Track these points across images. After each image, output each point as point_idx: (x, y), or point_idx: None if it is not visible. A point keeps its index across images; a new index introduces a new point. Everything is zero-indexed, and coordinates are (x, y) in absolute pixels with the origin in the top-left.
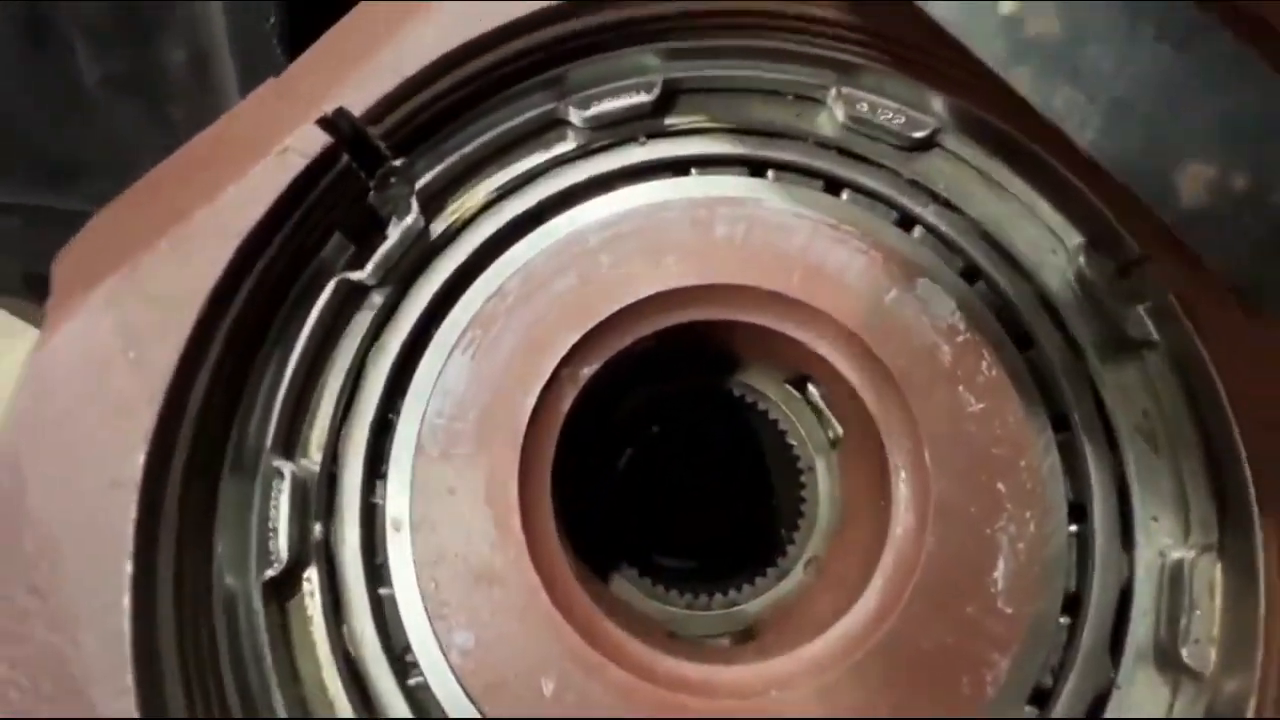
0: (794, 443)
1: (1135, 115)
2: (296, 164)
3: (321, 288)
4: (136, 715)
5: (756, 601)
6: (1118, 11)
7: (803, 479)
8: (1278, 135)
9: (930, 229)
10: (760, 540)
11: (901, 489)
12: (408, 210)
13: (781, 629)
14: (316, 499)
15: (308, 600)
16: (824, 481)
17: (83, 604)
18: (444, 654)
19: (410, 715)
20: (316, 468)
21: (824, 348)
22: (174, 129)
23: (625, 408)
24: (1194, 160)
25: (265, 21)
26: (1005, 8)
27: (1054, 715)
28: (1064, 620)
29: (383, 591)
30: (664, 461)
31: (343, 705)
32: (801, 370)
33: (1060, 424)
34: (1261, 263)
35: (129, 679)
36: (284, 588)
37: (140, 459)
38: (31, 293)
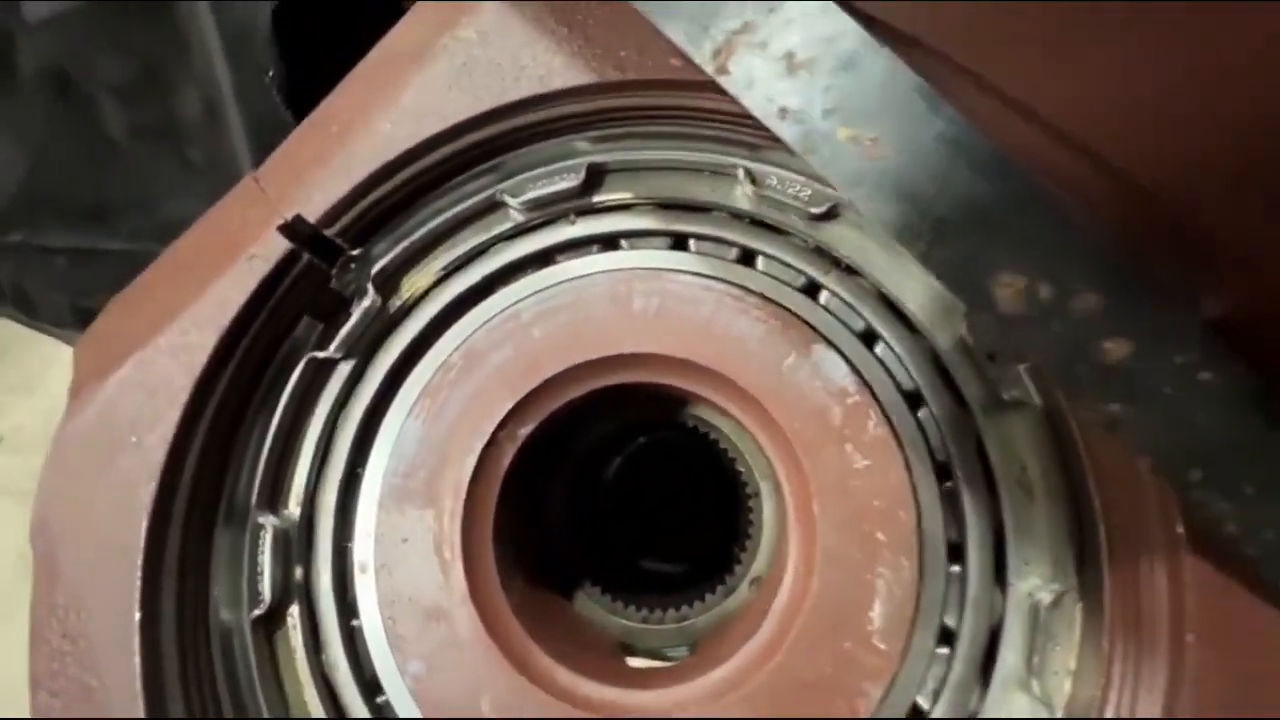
0: (741, 470)
1: (956, 232)
2: (262, 268)
3: (295, 365)
4: None
5: (704, 617)
6: (940, 144)
7: (750, 503)
8: (1073, 252)
9: (833, 293)
10: (717, 558)
11: (794, 535)
12: (365, 293)
13: (717, 644)
14: (297, 545)
15: (291, 633)
16: (768, 506)
17: (103, 647)
18: (402, 678)
19: None
20: (296, 518)
21: (733, 409)
22: (193, 169)
23: (593, 437)
24: (1005, 271)
25: (265, 75)
26: (843, 133)
27: None
28: (940, 650)
29: (354, 624)
30: (634, 484)
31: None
32: None
33: (945, 474)
34: (1072, 363)
35: (140, 708)
36: (270, 622)
37: (143, 527)
38: (79, 323)
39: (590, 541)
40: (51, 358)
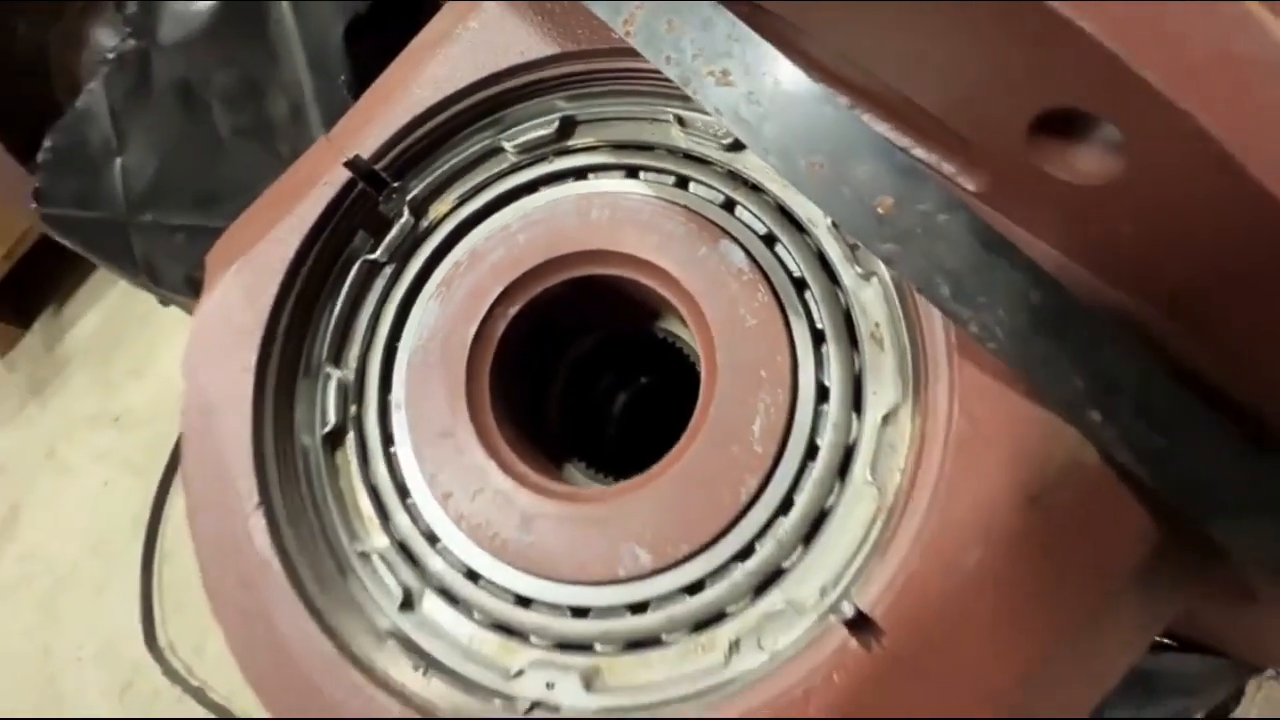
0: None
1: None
2: (330, 193)
3: (352, 265)
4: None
5: None
6: (774, 81)
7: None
8: (863, 149)
9: (745, 206)
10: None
11: (704, 381)
12: (402, 214)
13: None
14: (352, 391)
15: (347, 452)
16: None
17: (231, 459)
18: (424, 482)
19: (408, 520)
20: (352, 374)
21: (665, 291)
22: (281, 160)
23: (579, 351)
24: (815, 155)
25: (338, 81)
26: (704, 69)
27: (791, 518)
28: (809, 462)
29: (391, 449)
30: (615, 387)
31: (369, 515)
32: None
33: (821, 338)
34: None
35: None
36: (333, 443)
37: (253, 360)
38: (192, 292)
39: (578, 431)
40: (158, 344)
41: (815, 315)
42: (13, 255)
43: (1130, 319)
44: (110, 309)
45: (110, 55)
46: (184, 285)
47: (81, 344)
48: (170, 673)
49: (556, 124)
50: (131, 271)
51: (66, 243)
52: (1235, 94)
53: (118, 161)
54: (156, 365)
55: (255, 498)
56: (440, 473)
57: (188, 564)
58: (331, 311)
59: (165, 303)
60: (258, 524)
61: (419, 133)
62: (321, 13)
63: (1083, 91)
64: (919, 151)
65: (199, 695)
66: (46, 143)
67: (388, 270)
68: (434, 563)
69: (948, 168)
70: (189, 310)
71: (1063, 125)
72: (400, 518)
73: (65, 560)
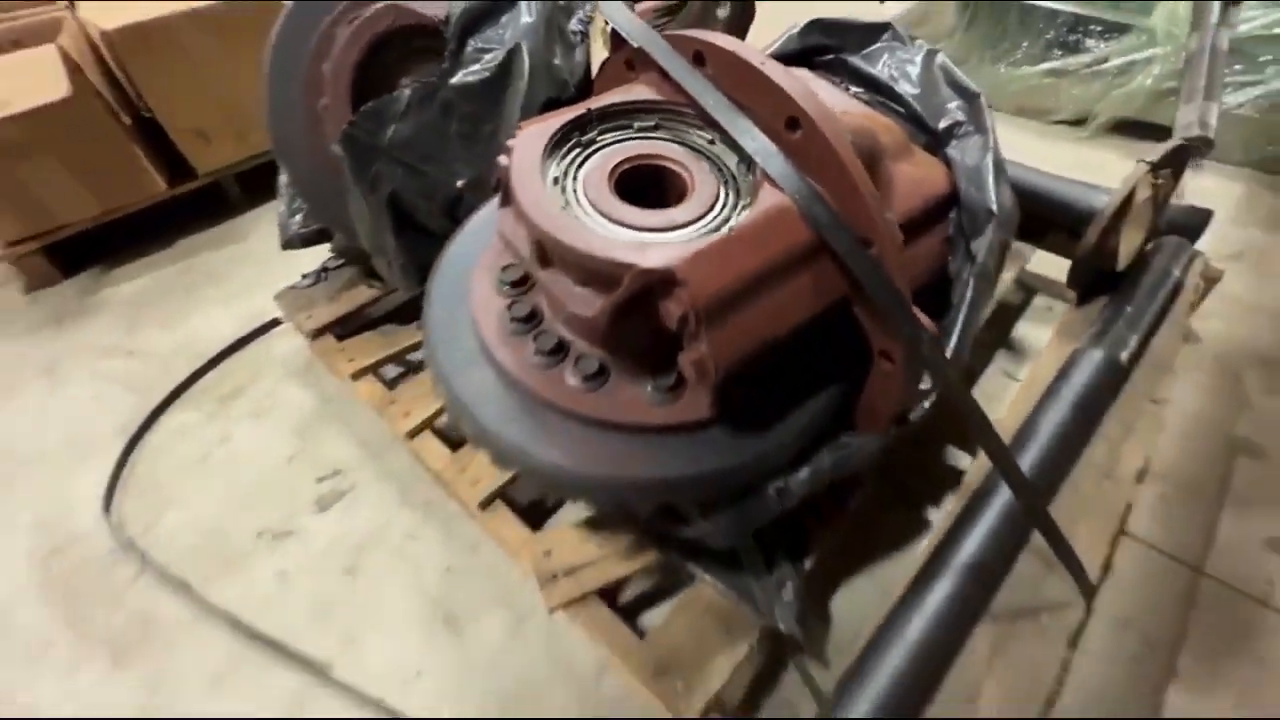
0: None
1: None
2: (570, 115)
3: (567, 144)
4: None
5: None
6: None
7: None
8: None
9: (716, 143)
10: None
11: (691, 188)
12: (594, 132)
13: None
14: (564, 182)
15: (566, 193)
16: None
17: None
18: (587, 199)
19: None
20: (564, 174)
21: (674, 166)
22: (478, 156)
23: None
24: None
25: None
26: None
27: (728, 213)
28: (727, 195)
29: (577, 192)
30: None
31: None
32: None
33: (729, 180)
34: None
35: None
36: (562, 190)
37: (540, 155)
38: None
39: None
40: (194, 312)
41: (726, 173)
42: (105, 215)
43: None
44: (156, 281)
45: (421, 80)
46: (378, 200)
47: (117, 297)
48: (119, 538)
49: (654, 121)
50: (362, 180)
51: (341, 150)
52: None
53: (394, 125)
54: (188, 323)
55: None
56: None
57: (160, 474)
58: (562, 158)
59: (286, 247)
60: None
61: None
62: (539, 91)
63: None
64: None
65: (142, 559)
66: (370, 104)
67: (582, 149)
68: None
69: None
70: (307, 245)
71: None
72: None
73: (33, 447)
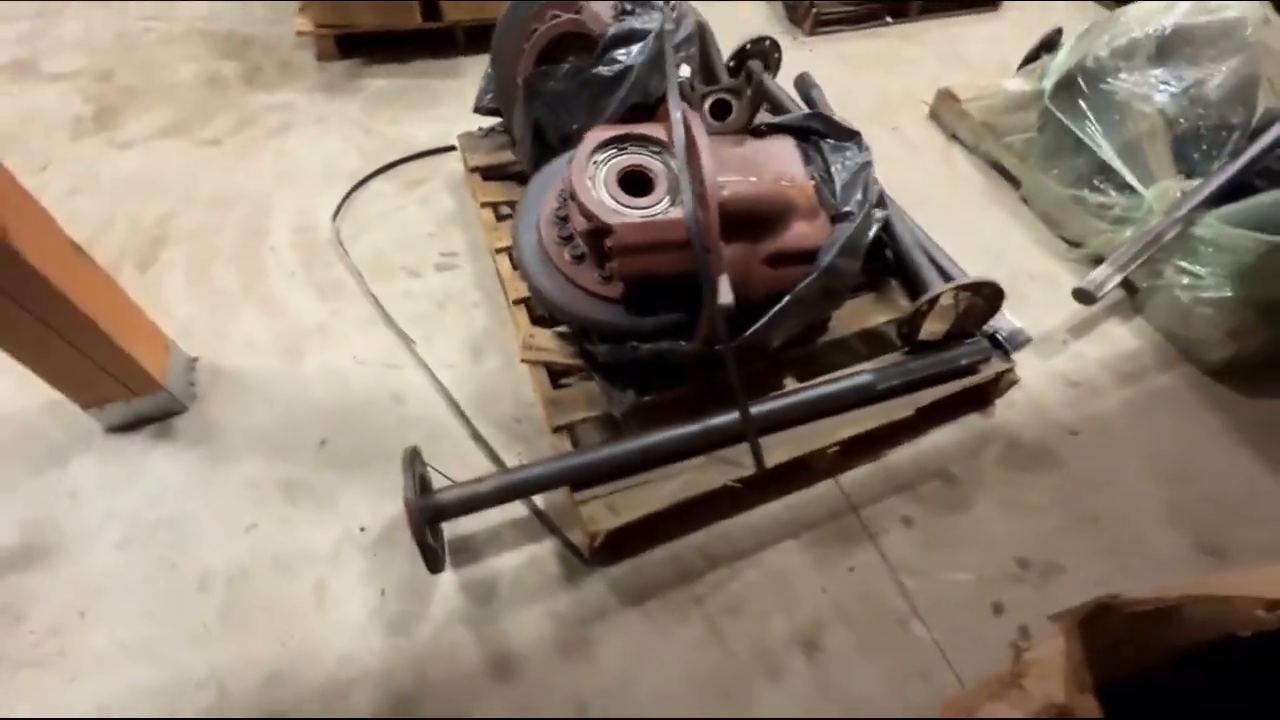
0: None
1: None
2: (611, 133)
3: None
4: None
5: None
6: None
7: None
8: None
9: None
10: None
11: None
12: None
13: None
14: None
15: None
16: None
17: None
18: (601, 182)
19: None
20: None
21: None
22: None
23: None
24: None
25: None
26: None
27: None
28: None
29: (598, 170)
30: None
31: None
32: None
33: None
34: None
35: None
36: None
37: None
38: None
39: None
40: (424, 120)
41: (674, 186)
42: (378, 27)
43: None
44: (394, 86)
45: (576, 63)
46: (528, 118)
47: (368, 88)
48: (336, 236)
49: (658, 148)
50: (526, 104)
51: (521, 84)
52: None
53: (551, 82)
54: (404, 125)
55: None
56: (604, 183)
57: (363, 213)
58: (602, 154)
59: (475, 111)
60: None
61: (630, 135)
62: (632, 95)
63: None
64: None
65: (344, 252)
66: (544, 67)
67: (615, 153)
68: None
69: None
70: (486, 115)
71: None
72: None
73: (304, 166)
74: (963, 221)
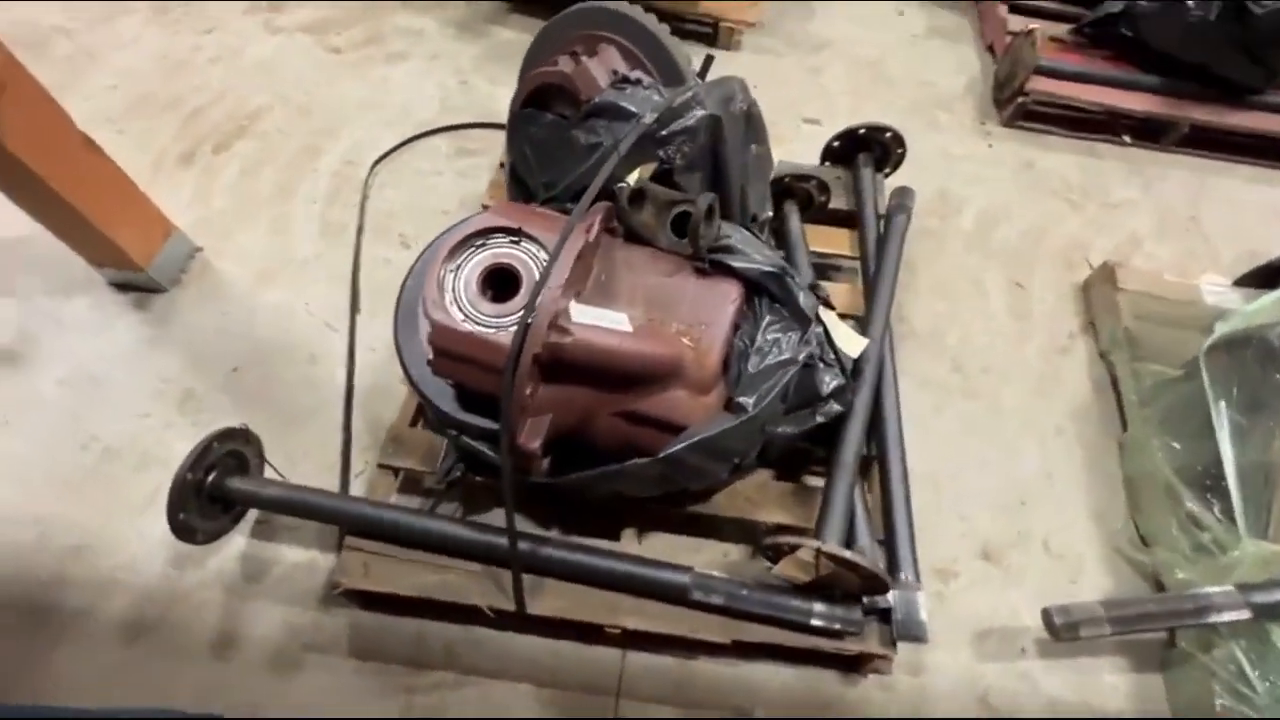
0: None
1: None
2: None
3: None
4: None
5: None
6: None
7: None
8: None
9: None
10: None
11: None
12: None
13: None
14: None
15: None
16: None
17: None
18: None
19: None
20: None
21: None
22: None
23: None
24: None
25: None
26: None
27: None
28: None
29: None
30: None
31: None
32: None
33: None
34: None
35: None
36: None
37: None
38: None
39: None
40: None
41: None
42: None
43: None
44: (494, 46)
45: (560, 115)
46: (515, 148)
47: (488, 39)
48: (369, 181)
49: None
50: (511, 136)
51: (510, 115)
52: None
53: (533, 127)
54: (488, 87)
55: None
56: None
57: (408, 168)
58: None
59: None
60: None
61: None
62: (589, 175)
63: None
64: None
65: (360, 208)
66: (529, 110)
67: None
68: None
69: None
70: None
71: None
72: None
73: (388, 100)
74: (1013, 442)
